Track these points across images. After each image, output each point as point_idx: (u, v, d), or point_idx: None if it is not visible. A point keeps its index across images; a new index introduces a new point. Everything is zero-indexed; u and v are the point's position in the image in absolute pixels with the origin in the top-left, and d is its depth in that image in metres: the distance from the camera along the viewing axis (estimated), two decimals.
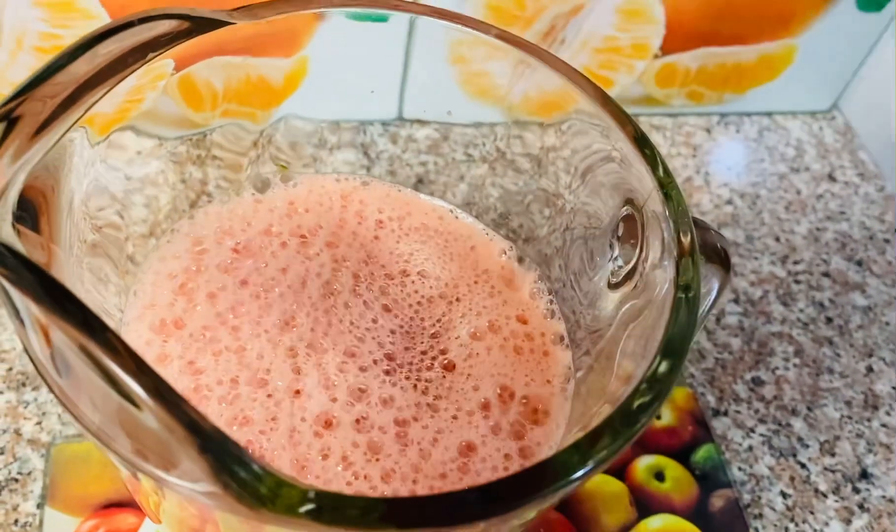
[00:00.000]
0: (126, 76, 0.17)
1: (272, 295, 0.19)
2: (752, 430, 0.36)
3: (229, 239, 0.20)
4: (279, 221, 0.21)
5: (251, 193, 0.21)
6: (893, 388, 0.38)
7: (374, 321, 0.20)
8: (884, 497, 0.35)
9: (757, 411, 0.36)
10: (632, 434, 0.13)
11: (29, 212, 0.15)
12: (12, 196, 0.14)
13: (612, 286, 0.19)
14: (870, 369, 0.39)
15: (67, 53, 0.15)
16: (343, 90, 0.32)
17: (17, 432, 0.30)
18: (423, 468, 0.17)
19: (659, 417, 0.35)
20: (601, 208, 0.20)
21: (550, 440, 0.18)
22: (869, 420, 0.37)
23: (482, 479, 0.17)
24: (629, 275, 0.18)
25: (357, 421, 0.18)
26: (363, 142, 0.34)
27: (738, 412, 0.36)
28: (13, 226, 0.14)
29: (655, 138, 0.46)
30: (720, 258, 0.20)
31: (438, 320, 0.20)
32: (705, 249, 0.20)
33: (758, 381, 0.37)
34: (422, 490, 0.16)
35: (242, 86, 0.29)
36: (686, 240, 0.16)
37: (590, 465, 0.13)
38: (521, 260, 0.22)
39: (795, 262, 0.42)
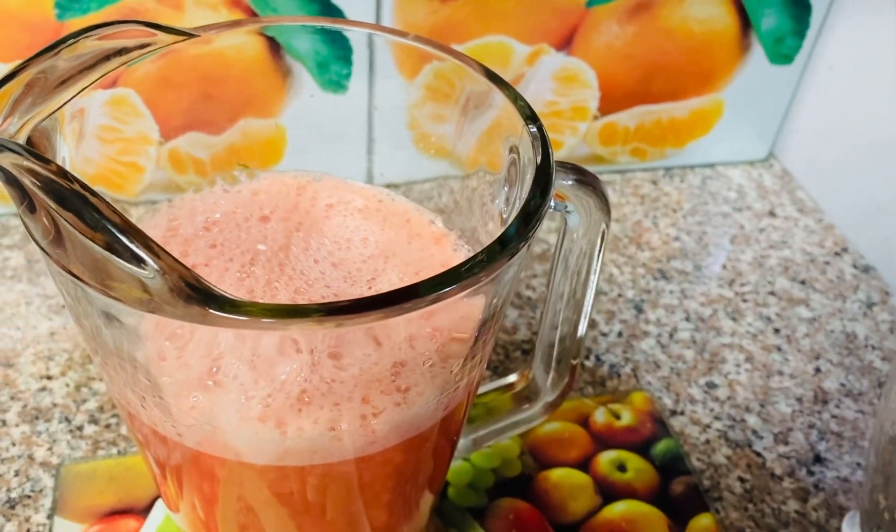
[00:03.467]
0: (110, 70, 0.22)
1: (235, 253, 0.24)
2: (709, 426, 0.38)
3: (201, 216, 0.25)
4: (244, 205, 0.25)
5: (221, 187, 0.26)
6: (842, 384, 0.41)
7: (322, 273, 0.24)
8: (838, 477, 0.37)
9: (712, 410, 0.39)
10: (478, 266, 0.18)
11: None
12: (23, 135, 0.19)
13: (502, 221, 0.23)
14: (818, 370, 0.42)
15: (54, 45, 0.20)
16: (317, 156, 0.37)
17: (31, 457, 0.34)
18: None
19: (619, 418, 0.38)
20: (496, 168, 0.24)
21: None
22: (819, 413, 0.40)
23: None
24: (513, 207, 0.23)
25: None
26: None
27: (694, 411, 0.39)
28: None
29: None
30: (600, 194, 0.24)
31: (375, 269, 0.24)
32: (585, 186, 0.24)
33: (711, 385, 0.40)
34: None
35: (225, 155, 0.34)
36: (540, 157, 0.21)
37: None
38: (446, 226, 0.26)
39: (742, 285, 0.46)
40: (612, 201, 0.50)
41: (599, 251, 0.25)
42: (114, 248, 0.16)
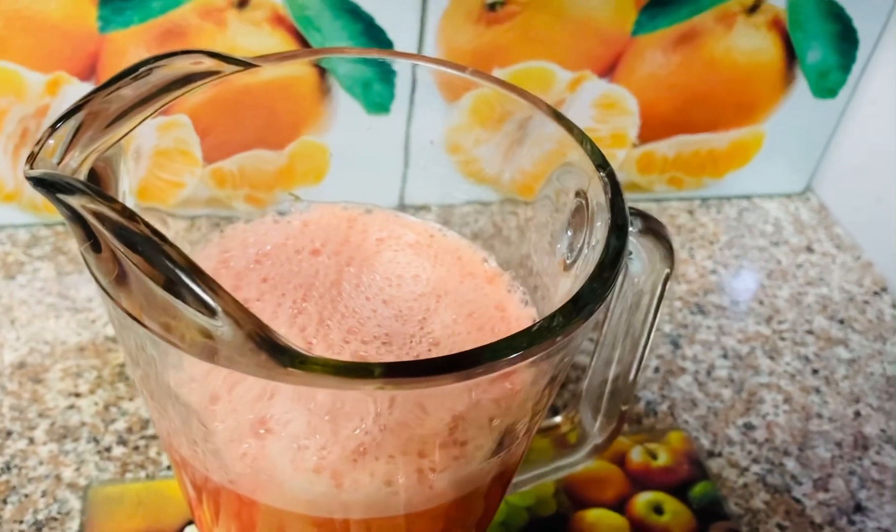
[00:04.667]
0: (173, 99, 0.21)
1: (287, 288, 0.23)
2: (747, 469, 0.38)
3: (252, 248, 0.24)
4: (294, 236, 0.25)
5: (272, 217, 0.26)
6: (882, 430, 0.40)
7: (374, 311, 0.23)
8: (879, 528, 0.36)
9: (750, 452, 0.38)
10: (551, 331, 0.17)
11: (96, 185, 0.19)
12: (84, 170, 0.18)
13: (565, 268, 0.23)
14: (857, 414, 0.41)
15: (122, 75, 0.19)
16: (351, 179, 0.37)
17: (58, 477, 0.33)
18: None
19: (655, 458, 0.37)
20: (560, 211, 0.24)
21: None
22: (860, 458, 0.39)
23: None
24: (578, 254, 0.22)
25: None
26: None
27: (731, 453, 0.38)
28: None
29: None
30: (664, 241, 0.23)
31: (427, 309, 0.24)
32: (650, 233, 0.23)
33: (749, 426, 0.39)
34: None
35: (269, 176, 0.33)
36: (619, 206, 0.20)
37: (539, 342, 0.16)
38: (500, 264, 0.26)
39: (780, 322, 0.45)
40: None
41: (660, 298, 0.24)
42: (181, 294, 0.15)
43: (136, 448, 0.34)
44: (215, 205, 0.30)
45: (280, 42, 0.40)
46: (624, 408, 0.28)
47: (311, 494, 0.20)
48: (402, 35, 0.41)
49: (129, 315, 0.16)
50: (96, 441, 0.34)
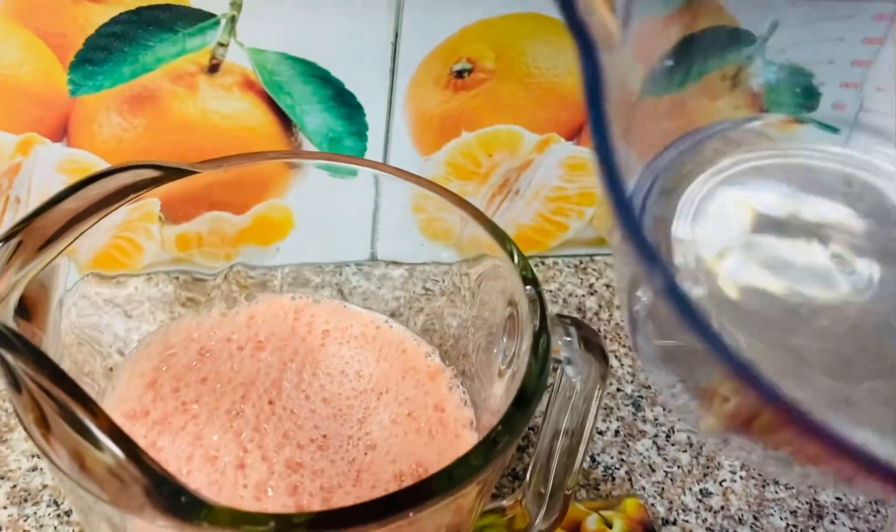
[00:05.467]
0: (110, 212, 0.22)
1: (227, 388, 0.24)
2: None
3: (195, 344, 0.25)
4: (239, 330, 0.25)
5: (219, 310, 0.26)
6: (836, 498, 0.40)
7: (313, 411, 0.24)
8: None
9: (705, 520, 0.39)
10: (490, 458, 0.17)
11: (25, 313, 0.19)
12: (14, 298, 0.19)
13: (500, 374, 0.23)
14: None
15: (61, 194, 0.20)
16: (321, 236, 0.37)
17: None
18: None
19: (610, 526, 0.38)
20: (494, 314, 0.24)
21: None
22: (814, 528, 0.39)
23: None
24: (510, 362, 0.23)
25: (291, 487, 0.22)
26: (338, 281, 0.39)
27: (686, 521, 0.39)
28: (14, 320, 0.18)
29: (610, 275, 0.50)
30: (598, 349, 0.24)
31: (367, 407, 0.24)
32: (584, 343, 0.24)
33: (706, 493, 0.40)
34: None
35: (233, 236, 0.34)
36: (538, 322, 0.20)
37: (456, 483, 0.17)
38: (442, 360, 0.26)
39: None
40: (615, 286, 0.49)
41: (599, 399, 0.25)
42: (96, 443, 0.16)
43: None
44: (177, 263, 0.31)
45: (250, 106, 0.41)
46: (567, 492, 0.28)
47: None
48: (371, 99, 0.42)
49: (49, 460, 0.17)
50: (57, 505, 0.35)
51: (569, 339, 0.23)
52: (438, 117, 0.42)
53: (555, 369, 0.26)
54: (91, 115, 0.39)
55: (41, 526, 0.34)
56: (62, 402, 0.16)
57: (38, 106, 0.39)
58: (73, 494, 0.19)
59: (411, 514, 0.17)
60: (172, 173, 0.22)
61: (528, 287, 0.22)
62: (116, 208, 0.22)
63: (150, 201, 0.27)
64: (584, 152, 0.46)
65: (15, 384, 0.17)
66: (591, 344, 0.23)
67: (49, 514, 0.35)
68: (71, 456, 0.17)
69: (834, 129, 0.29)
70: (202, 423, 0.22)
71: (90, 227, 0.21)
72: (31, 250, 0.20)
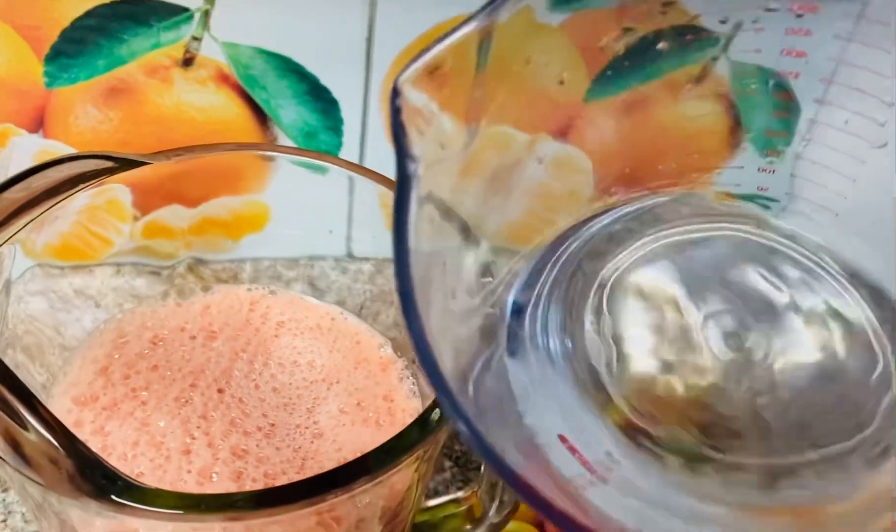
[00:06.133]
0: (59, 202, 0.22)
1: (177, 376, 0.24)
2: None
3: (149, 332, 0.25)
4: (193, 320, 0.25)
5: (174, 300, 0.26)
6: None
7: (262, 400, 0.24)
8: None
9: None
10: (423, 436, 0.18)
11: None
12: None
13: None
14: None
15: (6, 182, 0.20)
16: (297, 231, 0.37)
17: None
18: None
19: None
20: None
21: None
22: None
23: None
24: None
25: (235, 473, 0.22)
26: (311, 275, 0.39)
27: None
28: None
29: None
30: None
31: (317, 397, 0.24)
32: None
33: None
34: None
35: (205, 227, 0.34)
36: None
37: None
38: (395, 351, 0.27)
39: None
40: None
41: None
42: (23, 424, 0.16)
43: None
44: (142, 253, 0.31)
45: (226, 99, 0.41)
46: None
47: None
48: (346, 95, 0.42)
49: None
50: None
51: None
52: None
53: None
54: (67, 106, 0.40)
55: (9, 512, 0.35)
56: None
57: (14, 98, 0.39)
58: (16, 483, 0.19)
59: (345, 491, 0.17)
60: (123, 163, 0.23)
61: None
62: (66, 198, 0.22)
63: (115, 187, 0.28)
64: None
65: None
66: None
67: (17, 501, 0.35)
68: (5, 440, 0.17)
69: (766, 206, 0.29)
70: (150, 410, 0.23)
71: (38, 216, 0.22)
72: None
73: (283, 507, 0.17)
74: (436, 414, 0.19)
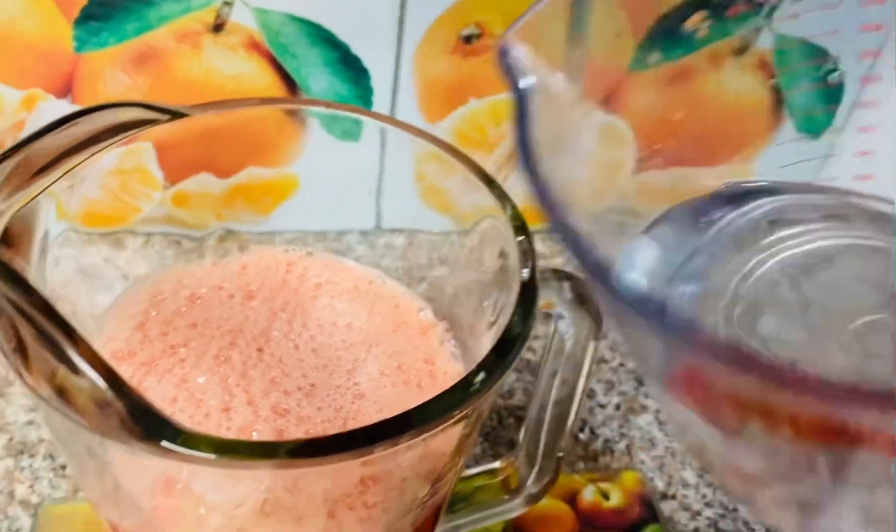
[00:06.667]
0: (100, 151, 0.21)
1: (216, 334, 0.23)
2: (699, 514, 0.38)
3: (185, 291, 0.24)
4: (230, 280, 0.25)
5: (210, 260, 0.26)
6: None
7: (301, 360, 0.24)
8: None
9: (704, 496, 0.38)
10: (466, 397, 0.17)
11: (8, 246, 0.19)
12: (1, 225, 0.19)
13: (489, 326, 0.23)
14: None
15: (46, 128, 0.20)
16: (326, 203, 0.37)
17: (11, 494, 0.34)
18: None
19: (607, 498, 0.37)
20: (488, 268, 0.24)
21: None
22: None
23: None
24: (499, 314, 0.22)
25: (276, 432, 0.21)
26: (338, 248, 0.38)
27: (685, 496, 0.38)
28: None
29: None
30: (590, 305, 0.23)
31: (356, 359, 0.24)
32: (577, 300, 0.23)
33: (706, 469, 0.39)
34: None
35: (234, 199, 0.34)
36: (527, 273, 0.20)
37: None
38: (435, 315, 0.26)
39: None
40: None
41: (591, 360, 0.24)
42: (73, 368, 0.16)
43: None
44: (172, 223, 0.31)
45: (256, 67, 0.41)
46: (560, 455, 0.28)
47: None
48: (377, 64, 0.42)
49: (27, 385, 0.16)
50: (52, 458, 0.35)
51: (561, 292, 0.23)
52: (445, 84, 0.42)
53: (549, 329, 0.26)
54: (96, 72, 0.39)
55: (36, 478, 0.34)
56: (42, 327, 0.16)
57: (42, 61, 0.39)
58: (56, 426, 0.19)
59: (391, 444, 0.17)
60: (163, 113, 0.22)
61: (518, 237, 0.21)
62: (107, 147, 0.22)
63: (144, 148, 0.27)
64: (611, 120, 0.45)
65: None
66: (584, 299, 0.23)
67: (44, 467, 0.35)
68: (50, 383, 0.17)
69: None
70: (189, 367, 0.22)
71: (78, 165, 0.21)
72: (16, 183, 0.20)
73: (329, 457, 0.17)
74: (482, 375, 0.19)
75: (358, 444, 0.16)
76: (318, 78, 0.42)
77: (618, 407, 0.41)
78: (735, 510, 0.38)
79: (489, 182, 0.23)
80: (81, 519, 0.33)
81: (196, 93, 0.40)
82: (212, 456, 0.16)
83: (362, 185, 0.37)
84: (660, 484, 0.38)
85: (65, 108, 0.40)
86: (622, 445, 0.40)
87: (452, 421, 0.19)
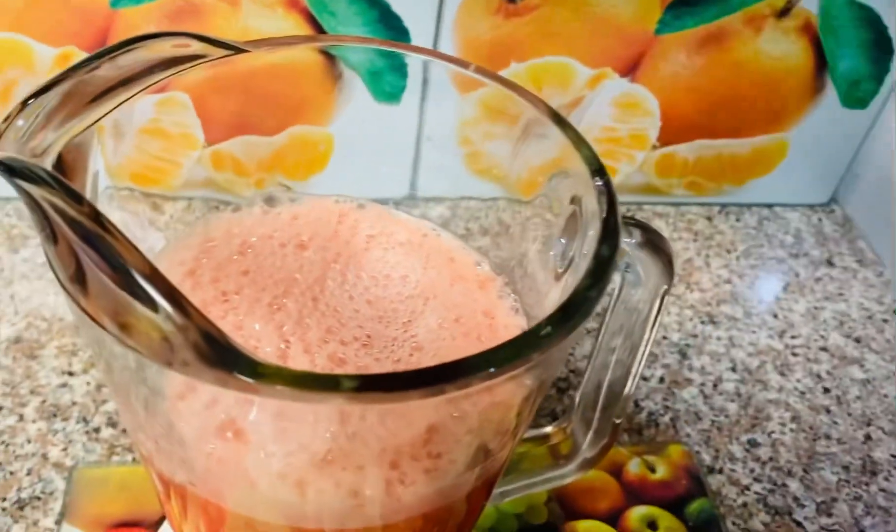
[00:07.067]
0: (155, 82, 0.20)
1: (268, 282, 0.22)
2: (747, 488, 0.36)
3: (237, 239, 0.23)
4: (282, 228, 0.24)
5: (260, 207, 0.25)
6: (892, 455, 0.39)
7: (357, 311, 0.23)
8: None
9: (752, 471, 0.37)
10: (535, 345, 0.16)
11: (63, 172, 0.18)
12: (52, 154, 0.18)
13: (557, 277, 0.22)
14: (868, 437, 0.39)
15: (96, 55, 0.19)
16: (360, 169, 0.36)
17: (45, 456, 0.33)
18: None
19: (653, 471, 0.36)
20: (555, 216, 0.23)
21: None
22: (867, 484, 0.37)
23: None
24: (570, 263, 0.21)
25: None
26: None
27: (733, 470, 0.37)
28: None
29: (658, 224, 0.49)
30: (663, 254, 0.22)
31: (413, 311, 0.23)
32: (649, 246, 0.22)
33: (753, 443, 0.38)
34: None
35: (270, 160, 0.32)
36: (609, 215, 0.19)
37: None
38: (494, 268, 0.25)
39: (793, 337, 0.43)
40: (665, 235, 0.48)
41: (657, 313, 0.23)
42: (137, 295, 0.15)
43: (125, 431, 0.34)
44: (212, 187, 0.30)
45: (293, 25, 0.40)
46: (617, 421, 0.27)
47: (274, 502, 0.19)
48: (418, 24, 0.41)
49: (86, 313, 0.15)
50: (85, 421, 0.34)
51: (632, 240, 0.22)
52: (487, 45, 0.41)
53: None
54: (131, 29, 0.38)
55: (70, 441, 0.33)
56: (104, 249, 0.15)
57: (77, 17, 0.38)
58: (111, 362, 0.18)
59: (464, 385, 0.16)
60: (219, 46, 0.21)
61: (596, 179, 0.20)
62: (160, 80, 0.21)
63: (181, 99, 0.26)
64: (639, 90, 0.44)
65: (52, 235, 0.16)
66: (657, 248, 0.22)
67: (78, 430, 0.34)
68: (110, 313, 0.16)
69: None
70: (242, 314, 0.21)
71: (132, 96, 0.20)
72: (70, 111, 0.19)
73: (404, 392, 0.16)
74: (560, 318, 0.18)
75: (440, 379, 0.15)
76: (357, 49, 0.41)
77: (661, 380, 0.40)
78: (784, 485, 0.37)
79: (560, 122, 0.22)
80: (116, 483, 0.32)
81: None
82: (287, 388, 0.14)
83: (401, 148, 0.36)
84: (706, 457, 0.37)
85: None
86: (667, 418, 0.39)
87: (526, 367, 0.17)
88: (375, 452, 0.19)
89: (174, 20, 0.38)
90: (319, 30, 0.40)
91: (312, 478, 0.19)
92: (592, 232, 0.20)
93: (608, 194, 0.20)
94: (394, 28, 0.40)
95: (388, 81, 0.44)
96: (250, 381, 0.14)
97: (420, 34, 0.41)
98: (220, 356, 0.14)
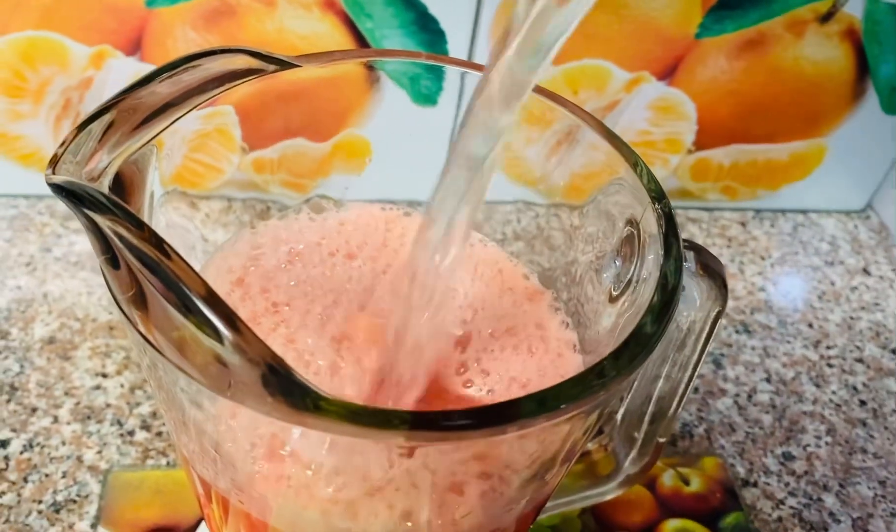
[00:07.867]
0: (209, 98, 0.20)
1: (318, 293, 0.22)
2: (782, 502, 0.36)
3: (284, 246, 0.23)
4: (329, 236, 0.24)
5: (307, 214, 0.25)
6: None
7: None
8: None
9: (787, 484, 0.37)
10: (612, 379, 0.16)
11: (121, 193, 0.18)
12: (109, 175, 0.17)
13: (611, 299, 0.21)
14: None
15: (152, 74, 0.19)
16: (397, 173, 0.35)
17: (80, 459, 0.33)
18: None
19: (687, 483, 0.36)
20: (607, 234, 0.22)
21: None
22: None
23: None
24: (626, 286, 0.21)
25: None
26: None
27: (767, 484, 0.37)
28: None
29: (691, 230, 0.48)
30: (718, 278, 0.22)
31: (463, 321, 0.22)
32: (704, 269, 0.22)
33: (788, 456, 0.38)
34: None
35: (315, 168, 0.32)
36: (673, 245, 0.18)
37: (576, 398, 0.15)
38: (542, 282, 0.25)
39: (829, 347, 0.43)
40: (698, 242, 0.47)
41: (708, 335, 0.23)
42: (200, 322, 0.14)
43: (159, 434, 0.34)
44: (252, 190, 0.29)
45: (330, 27, 0.39)
46: (661, 440, 0.26)
47: (324, 524, 0.19)
48: (455, 25, 0.40)
49: (144, 338, 0.15)
50: (120, 424, 0.34)
51: (686, 263, 0.21)
52: None
53: None
54: (166, 29, 0.38)
55: (104, 444, 0.33)
56: (167, 277, 0.14)
57: (112, 16, 0.37)
58: (163, 380, 0.18)
59: (522, 426, 0.15)
60: (271, 62, 0.21)
61: (656, 204, 0.20)
62: (214, 96, 0.20)
63: (225, 110, 0.26)
64: (676, 94, 0.43)
65: (112, 259, 0.15)
66: (712, 271, 0.21)
67: (112, 433, 0.34)
68: (169, 338, 0.15)
69: None
70: (294, 327, 0.21)
71: (186, 114, 0.20)
72: (125, 131, 0.18)
73: (469, 432, 0.15)
74: (616, 365, 0.17)
75: (503, 419, 0.15)
76: (392, 40, 0.40)
77: (696, 390, 0.40)
78: (820, 500, 0.36)
79: (609, 135, 0.22)
80: (151, 487, 0.32)
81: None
82: (349, 426, 0.14)
83: (437, 152, 0.35)
84: (741, 470, 0.37)
85: (134, 65, 0.39)
86: (701, 430, 0.38)
87: (590, 406, 0.17)
88: (433, 476, 0.18)
89: (209, 20, 0.38)
90: (355, 31, 0.39)
91: (366, 501, 0.18)
92: (653, 256, 0.20)
93: (669, 219, 0.19)
94: (431, 30, 0.40)
95: (424, 85, 0.43)
96: (312, 416, 0.14)
97: (457, 36, 0.40)
98: (283, 388, 0.14)
